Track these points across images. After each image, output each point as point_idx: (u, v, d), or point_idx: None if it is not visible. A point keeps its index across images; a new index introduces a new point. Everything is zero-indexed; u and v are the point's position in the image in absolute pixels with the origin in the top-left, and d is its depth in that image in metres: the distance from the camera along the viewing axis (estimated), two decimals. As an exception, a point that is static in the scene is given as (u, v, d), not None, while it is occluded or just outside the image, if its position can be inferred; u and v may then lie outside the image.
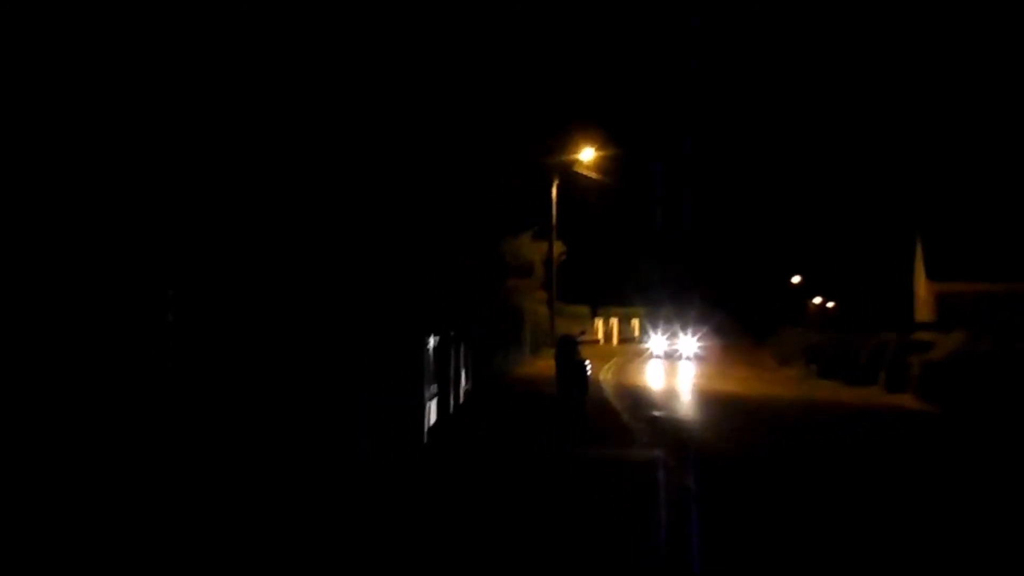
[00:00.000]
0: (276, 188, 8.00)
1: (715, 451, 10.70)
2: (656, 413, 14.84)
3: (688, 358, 32.00)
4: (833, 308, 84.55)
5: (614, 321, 42.04)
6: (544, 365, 24.27)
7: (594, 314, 40.97)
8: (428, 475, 8.25)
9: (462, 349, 14.73)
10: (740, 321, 62.27)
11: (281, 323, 6.62)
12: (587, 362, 15.68)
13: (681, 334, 35.29)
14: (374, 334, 8.56)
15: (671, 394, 19.38)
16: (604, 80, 42.64)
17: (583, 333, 17.50)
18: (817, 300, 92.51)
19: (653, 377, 24.13)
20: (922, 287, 38.09)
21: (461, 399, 14.25)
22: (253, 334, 6.11)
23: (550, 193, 34.65)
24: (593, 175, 36.15)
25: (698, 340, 34.91)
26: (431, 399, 10.80)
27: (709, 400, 17.88)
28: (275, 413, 6.28)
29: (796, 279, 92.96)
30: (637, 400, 16.63)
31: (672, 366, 28.91)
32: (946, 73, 56.15)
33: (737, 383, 22.06)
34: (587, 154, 34.32)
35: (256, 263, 6.77)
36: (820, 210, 64.42)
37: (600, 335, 39.24)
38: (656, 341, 35.78)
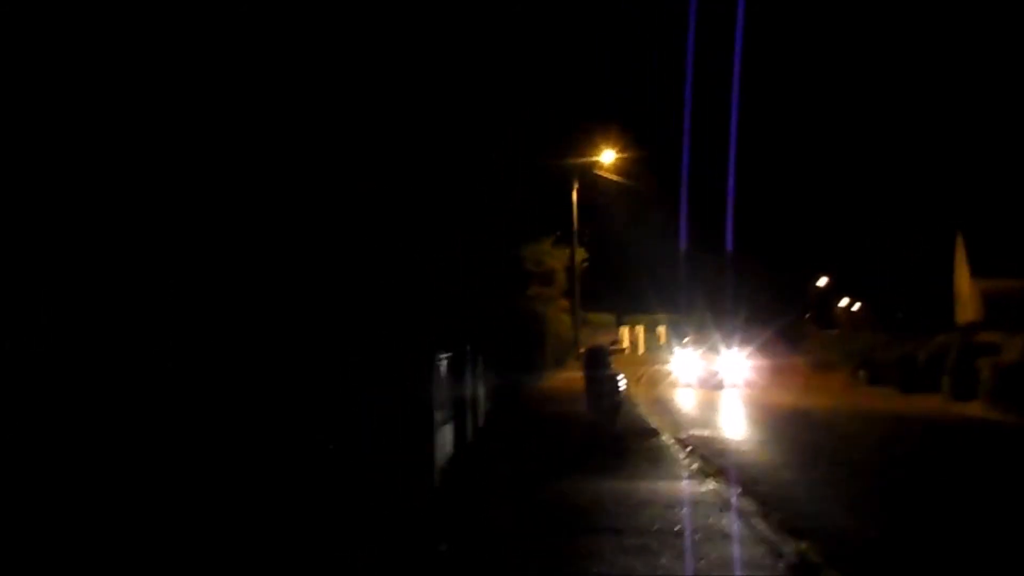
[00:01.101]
0: (274, 188, 7.41)
1: (778, 483, 9.06)
2: (698, 432, 13.19)
3: (735, 386, 21.70)
4: (860, 310, 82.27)
5: (640, 329, 40.39)
6: (569, 378, 22.69)
7: (619, 322, 39.32)
8: (434, 535, 6.57)
9: (479, 364, 13.21)
10: (755, 328, 60.10)
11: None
12: (620, 376, 14.11)
13: (722, 349, 23.51)
14: (368, 351, 7.08)
15: (707, 406, 17.62)
16: (623, 79, 41.16)
17: (615, 343, 15.89)
18: (844, 302, 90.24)
19: (685, 388, 22.38)
20: (965, 285, 36.16)
21: (481, 421, 12.70)
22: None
23: (571, 197, 33.21)
24: (615, 177, 34.74)
25: (747, 358, 23.39)
26: (444, 424, 9.26)
27: (752, 413, 16.21)
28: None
29: (823, 281, 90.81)
30: (673, 414, 15.02)
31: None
32: (983, 65, 54.21)
33: (778, 392, 20.32)
34: (608, 156, 32.93)
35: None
36: (848, 208, 62.20)
37: (626, 344, 37.59)
38: (684, 360, 24.72)
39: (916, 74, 62.00)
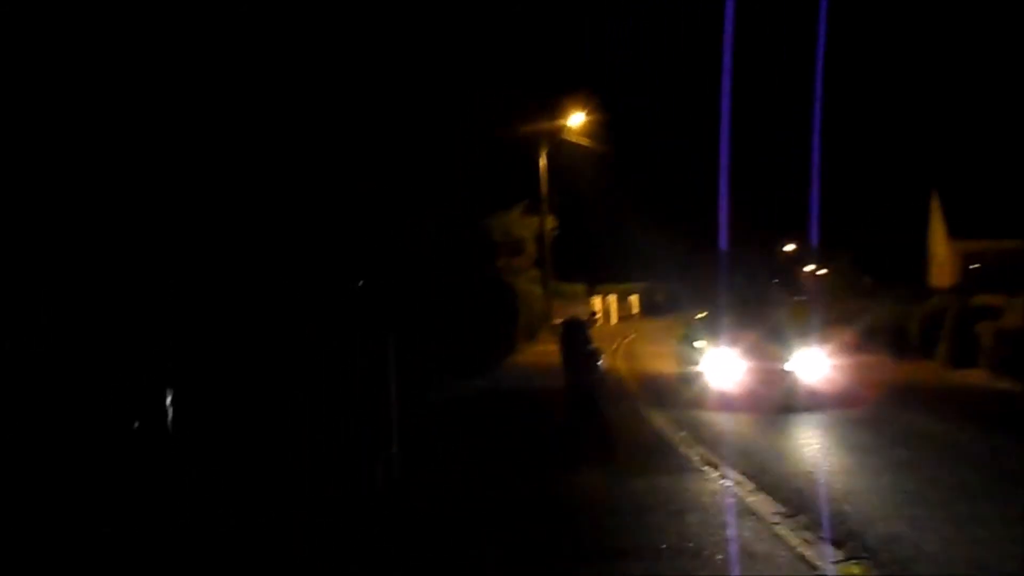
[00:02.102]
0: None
1: (797, 475, 7.93)
2: (692, 413, 12.00)
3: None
4: (825, 275, 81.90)
5: (612, 298, 39.28)
6: (543, 351, 21.51)
7: (591, 292, 38.17)
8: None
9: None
10: (724, 295, 59.02)
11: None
12: (599, 351, 12.92)
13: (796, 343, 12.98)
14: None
15: (689, 383, 16.22)
16: (591, 41, 39.77)
17: (594, 315, 14.61)
18: (808, 268, 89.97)
19: (662, 357, 21.12)
20: (942, 247, 35.46)
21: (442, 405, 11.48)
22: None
23: (539, 163, 31.85)
24: (584, 142, 33.43)
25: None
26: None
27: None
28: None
29: (790, 247, 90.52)
30: (660, 393, 13.83)
31: (669, 335, 20.19)
32: (961, 21, 53.47)
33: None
34: (576, 119, 31.56)
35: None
36: (816, 170, 61.42)
37: (599, 314, 36.45)
38: (720, 357, 13.27)
39: (892, 28, 61.12)
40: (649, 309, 45.27)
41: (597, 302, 37.42)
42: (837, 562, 5.10)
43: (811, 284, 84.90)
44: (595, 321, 33.98)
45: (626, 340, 27.44)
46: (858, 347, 19.93)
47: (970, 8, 52.92)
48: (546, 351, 21.27)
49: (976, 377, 14.29)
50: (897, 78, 62.43)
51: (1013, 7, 46.58)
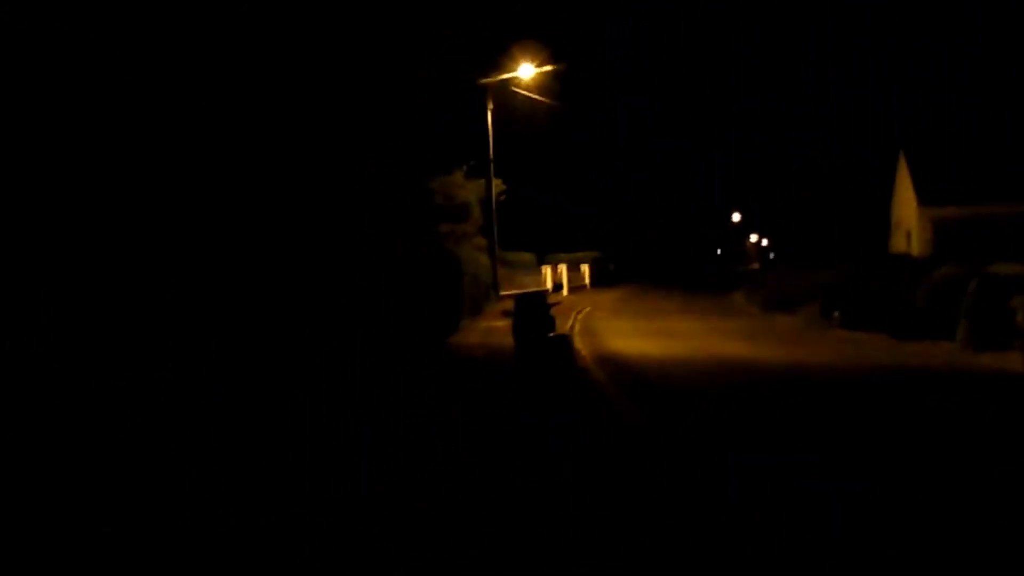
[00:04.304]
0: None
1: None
2: (679, 410, 9.34)
3: None
4: (769, 245, 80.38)
5: (563, 268, 36.61)
6: (490, 329, 18.72)
7: (540, 261, 35.44)
8: None
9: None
10: (673, 265, 57.19)
11: None
12: (568, 337, 10.16)
13: None
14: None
15: (669, 364, 13.65)
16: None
17: (561, 288, 11.93)
18: (753, 238, 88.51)
19: (626, 334, 18.55)
20: (910, 214, 33.64)
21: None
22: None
23: (485, 120, 28.88)
24: (534, 95, 30.55)
25: None
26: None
27: (723, 371, 12.45)
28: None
29: (736, 217, 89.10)
30: (635, 377, 11.18)
31: (652, 322, 22.69)
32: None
33: (740, 341, 16.78)
34: (526, 71, 28.64)
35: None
36: (763, 135, 59.17)
37: (549, 284, 33.76)
38: None
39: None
40: (599, 279, 42.81)
41: (548, 272, 34.71)
42: None
43: (756, 254, 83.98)
44: (560, 294, 31.34)
45: (581, 314, 24.82)
46: (842, 323, 17.67)
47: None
48: (493, 329, 18.53)
49: (1015, 363, 11.93)
50: (863, 40, 60.81)
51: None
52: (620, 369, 12.44)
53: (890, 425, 8.42)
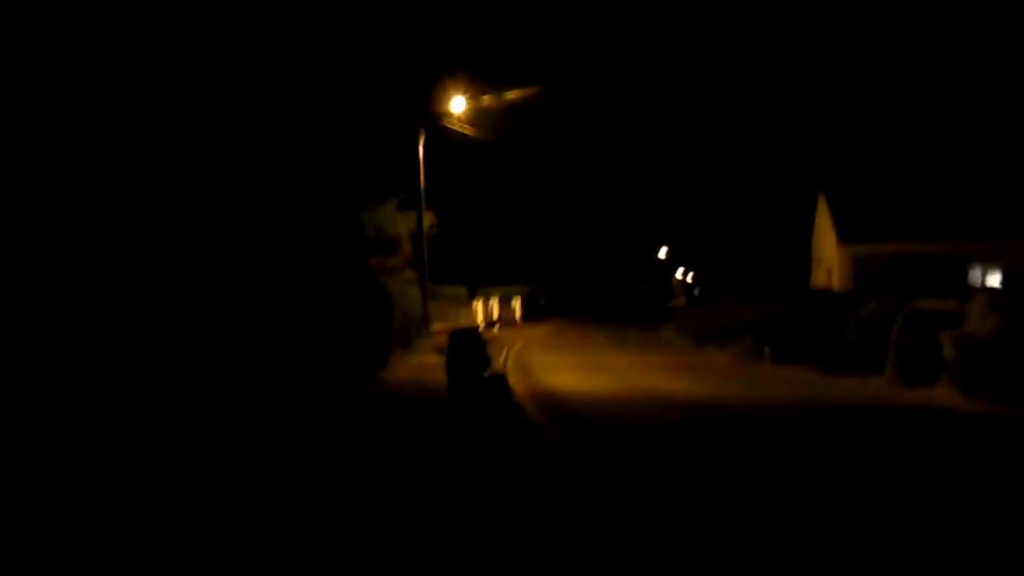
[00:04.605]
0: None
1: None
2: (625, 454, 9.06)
3: None
4: (694, 280, 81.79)
5: (494, 303, 36.36)
6: (419, 364, 18.25)
7: (472, 295, 35.13)
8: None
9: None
10: (602, 300, 57.72)
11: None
12: (504, 377, 9.82)
13: None
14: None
15: (615, 404, 13.38)
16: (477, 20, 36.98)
17: (494, 323, 11.67)
18: (679, 274, 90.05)
19: (560, 369, 18.30)
20: (831, 251, 34.60)
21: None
22: None
23: (416, 152, 28.59)
24: (466, 130, 30.43)
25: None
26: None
27: (655, 408, 12.23)
28: None
29: (663, 253, 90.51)
30: (576, 418, 10.88)
31: (588, 357, 22.68)
32: (852, 21, 53.93)
33: (672, 376, 16.70)
34: (458, 105, 28.52)
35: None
36: (688, 172, 60.39)
37: (480, 319, 33.43)
38: None
39: (781, 29, 61.22)
40: (531, 313, 42.73)
41: (479, 306, 34.39)
42: None
43: (681, 289, 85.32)
44: (493, 330, 30.95)
45: (514, 348, 24.53)
46: (773, 358, 17.81)
47: (859, 7, 53.41)
48: (424, 365, 18.05)
49: (942, 397, 12.09)
50: (785, 80, 62.81)
51: (900, 7, 47.02)
52: (558, 408, 12.08)
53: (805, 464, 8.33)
